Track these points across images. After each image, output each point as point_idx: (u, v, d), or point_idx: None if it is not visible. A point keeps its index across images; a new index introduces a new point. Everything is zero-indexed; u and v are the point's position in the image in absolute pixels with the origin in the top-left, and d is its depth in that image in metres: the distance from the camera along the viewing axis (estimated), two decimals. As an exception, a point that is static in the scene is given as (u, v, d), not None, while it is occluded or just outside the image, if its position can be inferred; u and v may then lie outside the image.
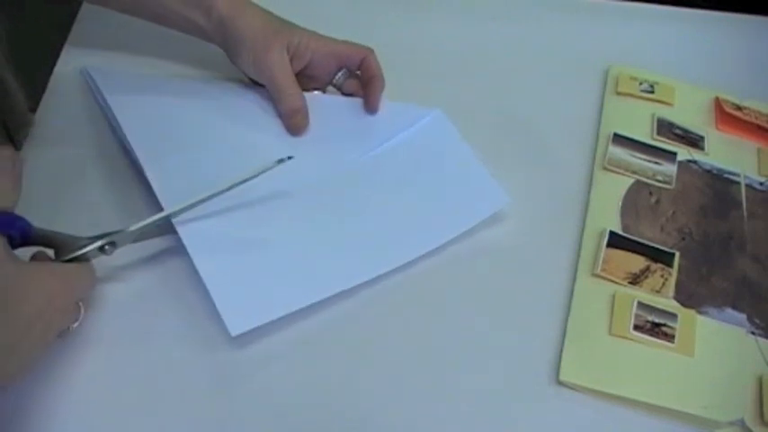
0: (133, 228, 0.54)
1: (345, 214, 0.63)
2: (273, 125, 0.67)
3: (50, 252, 0.51)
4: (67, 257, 0.51)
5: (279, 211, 0.61)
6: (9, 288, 0.44)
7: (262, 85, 0.67)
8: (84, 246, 0.52)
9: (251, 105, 0.68)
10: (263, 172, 0.58)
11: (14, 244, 0.48)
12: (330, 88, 0.71)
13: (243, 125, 0.66)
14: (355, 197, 0.64)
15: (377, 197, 0.64)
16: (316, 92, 0.69)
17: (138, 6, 0.66)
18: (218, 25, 0.64)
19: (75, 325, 0.52)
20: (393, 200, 0.64)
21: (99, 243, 0.52)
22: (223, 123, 0.66)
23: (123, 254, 0.55)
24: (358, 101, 0.69)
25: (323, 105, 0.68)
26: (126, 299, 0.57)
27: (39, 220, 0.50)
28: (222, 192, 0.57)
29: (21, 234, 0.48)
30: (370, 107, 0.68)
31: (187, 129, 0.65)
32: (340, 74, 0.69)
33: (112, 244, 0.53)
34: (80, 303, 0.52)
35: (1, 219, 0.46)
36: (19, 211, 0.49)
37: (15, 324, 0.44)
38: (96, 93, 0.68)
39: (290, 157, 0.60)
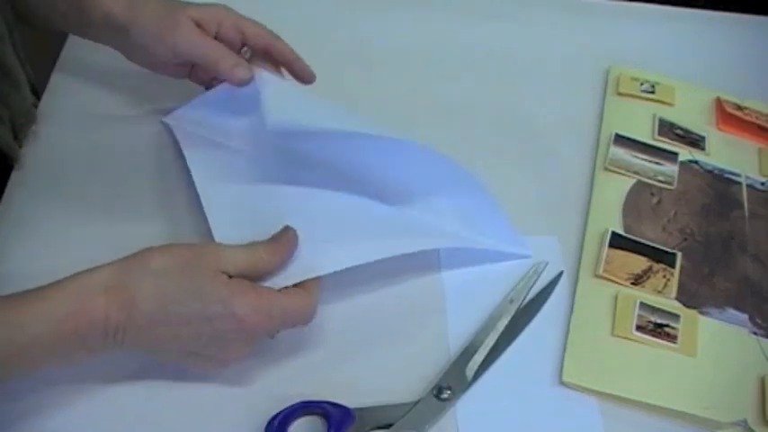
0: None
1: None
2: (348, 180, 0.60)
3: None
4: None
5: None
6: (209, 305, 0.49)
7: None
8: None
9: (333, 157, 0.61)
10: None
11: None
12: None
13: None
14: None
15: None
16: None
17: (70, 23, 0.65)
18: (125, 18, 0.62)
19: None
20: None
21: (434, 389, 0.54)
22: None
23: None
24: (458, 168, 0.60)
25: (421, 157, 0.60)
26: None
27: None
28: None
29: None
30: (307, 79, 0.65)
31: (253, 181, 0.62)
32: (243, 51, 0.65)
33: (449, 388, 0.54)
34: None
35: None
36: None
37: (199, 334, 0.49)
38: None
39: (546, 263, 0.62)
